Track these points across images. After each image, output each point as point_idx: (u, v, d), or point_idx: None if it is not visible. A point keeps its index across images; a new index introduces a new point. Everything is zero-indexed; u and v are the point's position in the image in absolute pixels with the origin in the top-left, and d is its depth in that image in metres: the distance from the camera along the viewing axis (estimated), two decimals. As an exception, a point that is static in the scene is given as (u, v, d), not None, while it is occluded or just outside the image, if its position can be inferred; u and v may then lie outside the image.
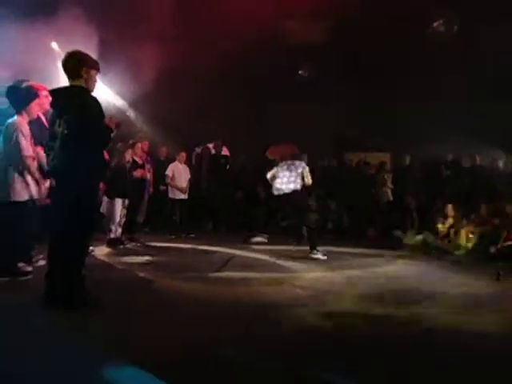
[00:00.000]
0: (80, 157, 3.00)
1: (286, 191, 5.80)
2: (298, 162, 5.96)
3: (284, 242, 6.76)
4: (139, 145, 6.82)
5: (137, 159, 6.70)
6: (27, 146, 3.73)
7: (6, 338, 2.54)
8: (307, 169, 5.93)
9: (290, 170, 5.87)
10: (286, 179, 5.84)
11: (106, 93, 7.75)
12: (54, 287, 3.04)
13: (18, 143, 3.68)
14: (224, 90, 8.87)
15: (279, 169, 6.00)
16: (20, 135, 3.69)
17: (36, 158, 3.89)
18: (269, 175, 6.11)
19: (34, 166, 3.81)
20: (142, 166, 6.80)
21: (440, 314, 3.25)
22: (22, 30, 5.54)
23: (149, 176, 7.18)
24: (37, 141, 4.03)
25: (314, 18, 8.56)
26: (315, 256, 5.49)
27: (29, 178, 3.79)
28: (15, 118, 3.79)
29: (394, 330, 2.93)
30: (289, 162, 5.97)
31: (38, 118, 4.36)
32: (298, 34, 8.83)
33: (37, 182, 3.84)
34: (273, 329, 2.85)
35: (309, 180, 5.90)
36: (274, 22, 8.15)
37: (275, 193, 5.95)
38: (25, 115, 3.83)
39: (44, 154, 3.90)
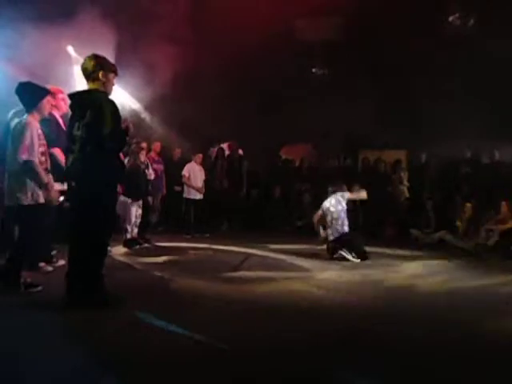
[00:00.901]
0: (98, 159, 3.05)
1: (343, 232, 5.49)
2: (340, 194, 5.65)
3: (299, 242, 6.73)
4: (144, 145, 6.73)
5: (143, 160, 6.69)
6: (32, 150, 3.51)
7: (22, 338, 2.58)
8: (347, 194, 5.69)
9: (340, 209, 5.50)
10: (341, 221, 5.47)
11: (122, 95, 7.84)
12: (73, 287, 3.10)
13: (23, 146, 3.47)
14: (238, 90, 8.88)
15: (330, 208, 5.53)
16: (27, 137, 3.48)
17: (46, 159, 3.69)
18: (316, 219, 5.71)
19: (38, 169, 3.55)
20: (146, 167, 6.76)
21: (462, 316, 3.19)
22: (39, 34, 5.64)
23: (153, 176, 7.10)
24: (52, 143, 4.04)
25: (328, 16, 8.50)
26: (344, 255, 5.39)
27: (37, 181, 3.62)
28: (25, 117, 3.61)
29: (412, 328, 2.89)
30: (336, 197, 5.60)
31: (56, 121, 4.44)
32: (312, 32, 8.78)
33: (46, 185, 3.60)
34: (288, 328, 2.84)
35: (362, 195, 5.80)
36: (288, 21, 8.12)
37: (334, 236, 5.47)
38: (36, 114, 3.65)
39: (62, 156, 3.91)
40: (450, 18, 8.15)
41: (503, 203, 6.30)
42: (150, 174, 6.72)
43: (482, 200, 6.74)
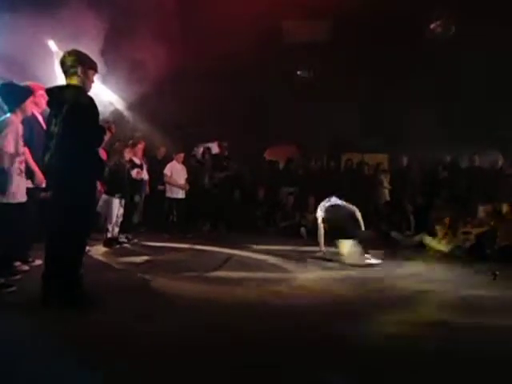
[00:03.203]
0: (75, 156, 3.00)
1: None
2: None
3: (282, 243, 6.76)
4: (140, 146, 6.85)
5: (135, 159, 6.72)
6: (14, 145, 3.59)
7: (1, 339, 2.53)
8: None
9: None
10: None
11: (105, 93, 7.74)
12: (50, 287, 3.04)
13: (4, 141, 3.54)
14: (223, 90, 8.87)
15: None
16: (9, 133, 3.56)
17: (24, 157, 3.79)
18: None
19: (18, 164, 3.67)
20: (141, 167, 6.84)
21: (442, 315, 3.26)
22: (19, 27, 5.51)
23: (146, 176, 7.23)
24: (30, 143, 3.98)
25: (314, 18, 8.57)
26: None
27: (16, 178, 3.67)
28: (8, 115, 3.68)
29: (392, 328, 2.93)
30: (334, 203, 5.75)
31: (35, 117, 4.33)
32: (298, 33, 8.85)
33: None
34: (270, 329, 2.85)
35: None
36: (274, 22, 8.16)
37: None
38: (19, 114, 3.73)
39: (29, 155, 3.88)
40: (432, 26, 8.33)
41: (480, 207, 6.47)
42: (139, 173, 6.70)
43: (459, 204, 6.90)
